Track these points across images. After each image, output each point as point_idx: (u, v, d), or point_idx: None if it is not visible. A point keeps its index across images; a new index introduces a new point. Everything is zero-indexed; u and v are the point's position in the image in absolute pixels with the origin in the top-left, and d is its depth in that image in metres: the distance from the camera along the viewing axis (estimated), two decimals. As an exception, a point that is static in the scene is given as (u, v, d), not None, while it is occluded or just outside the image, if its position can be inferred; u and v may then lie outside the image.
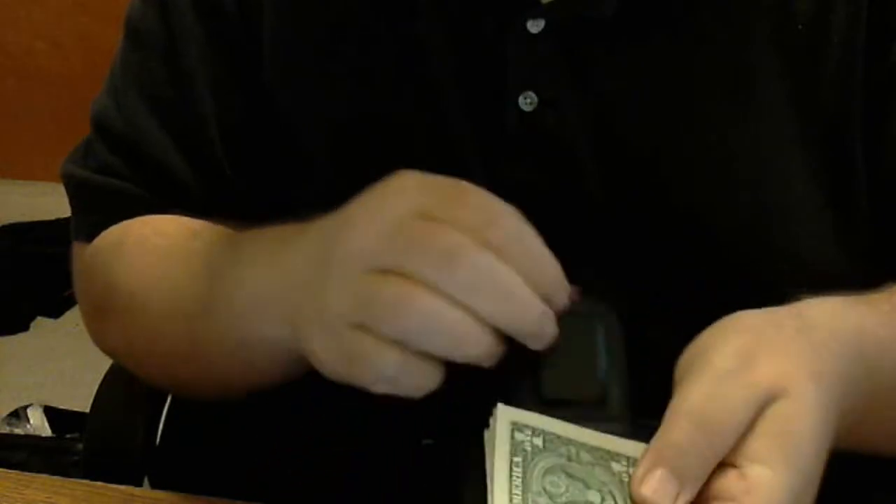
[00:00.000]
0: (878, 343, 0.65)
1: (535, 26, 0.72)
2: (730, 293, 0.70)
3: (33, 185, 2.86)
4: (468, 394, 0.58)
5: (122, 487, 0.78)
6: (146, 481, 0.96)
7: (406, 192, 0.60)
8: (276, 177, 0.80)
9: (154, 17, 0.81)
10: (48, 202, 2.67)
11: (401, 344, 0.57)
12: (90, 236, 0.84)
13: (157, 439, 0.98)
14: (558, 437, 0.58)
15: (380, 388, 0.59)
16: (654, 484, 0.54)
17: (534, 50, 0.72)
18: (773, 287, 0.66)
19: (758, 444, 0.55)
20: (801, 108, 0.72)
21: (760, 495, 0.53)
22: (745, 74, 0.72)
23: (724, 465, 0.55)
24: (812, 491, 0.57)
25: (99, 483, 0.78)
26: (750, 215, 0.73)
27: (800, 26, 0.71)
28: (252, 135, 0.80)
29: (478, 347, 0.58)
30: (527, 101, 0.73)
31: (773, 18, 0.71)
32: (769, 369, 0.57)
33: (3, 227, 2.76)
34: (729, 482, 0.54)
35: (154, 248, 0.79)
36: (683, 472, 0.54)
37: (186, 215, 0.81)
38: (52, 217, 2.65)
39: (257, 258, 0.69)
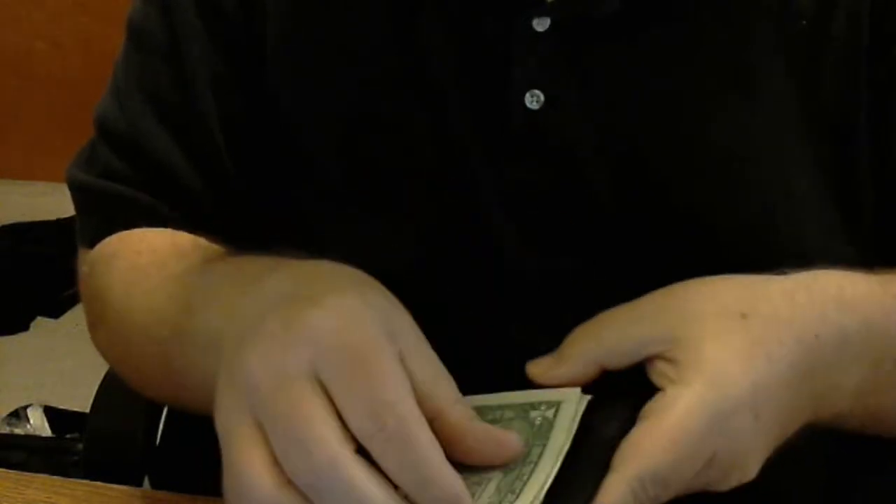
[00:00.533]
0: (866, 300, 0.67)
1: (540, 25, 0.72)
2: None
3: (33, 185, 2.86)
4: None
5: (122, 487, 0.78)
6: (146, 481, 0.96)
7: (314, 345, 0.57)
8: (278, 177, 0.80)
9: (156, 19, 0.81)
10: (48, 202, 2.67)
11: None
12: (92, 241, 0.84)
13: (158, 439, 0.98)
14: (489, 407, 0.61)
15: None
16: (539, 359, 0.63)
17: (539, 48, 0.72)
18: None
19: (676, 369, 0.59)
20: (804, 105, 0.72)
21: (675, 410, 0.58)
22: (748, 72, 0.72)
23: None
24: (749, 423, 0.60)
25: (99, 483, 0.79)
26: (754, 213, 0.73)
27: (803, 22, 0.71)
28: (254, 135, 0.81)
29: None
30: (533, 100, 0.73)
31: (775, 16, 0.72)
32: (678, 306, 0.63)
33: (3, 227, 2.76)
34: (654, 403, 0.59)
35: (142, 265, 0.79)
36: (567, 353, 0.63)
37: (187, 222, 0.81)
38: (52, 217, 2.66)
39: (214, 298, 0.68)
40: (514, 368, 0.64)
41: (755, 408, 0.60)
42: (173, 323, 0.72)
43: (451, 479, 0.55)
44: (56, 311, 2.51)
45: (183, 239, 0.80)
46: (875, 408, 0.68)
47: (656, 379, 0.60)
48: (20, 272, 2.60)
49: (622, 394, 0.60)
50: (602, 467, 0.57)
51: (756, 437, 0.60)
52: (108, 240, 0.83)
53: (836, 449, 0.76)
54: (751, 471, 0.61)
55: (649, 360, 0.61)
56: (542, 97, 0.73)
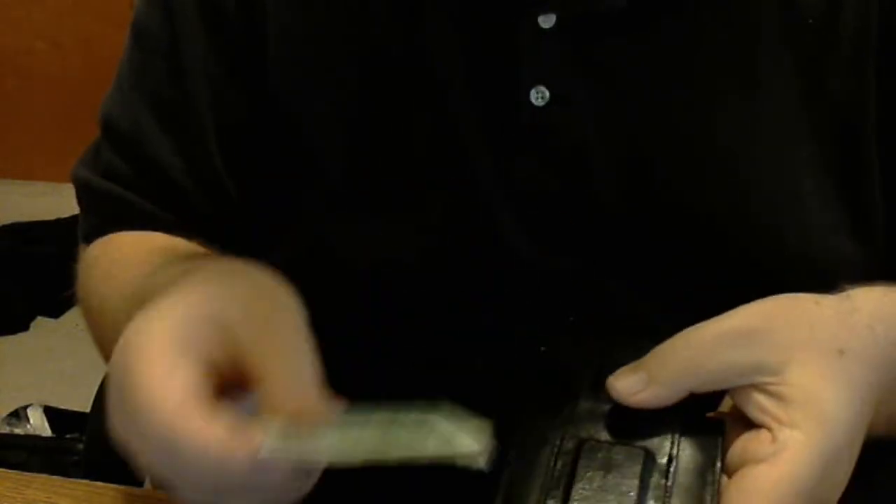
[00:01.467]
0: None
1: (546, 21, 0.72)
2: (742, 290, 0.70)
3: (33, 185, 2.86)
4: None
5: (122, 487, 0.78)
6: (147, 481, 0.96)
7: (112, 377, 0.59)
8: (279, 177, 0.80)
9: (158, 19, 0.81)
10: (48, 202, 2.67)
11: None
12: (87, 239, 0.85)
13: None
14: None
15: None
16: (628, 378, 0.59)
17: (545, 45, 0.72)
18: (785, 284, 0.66)
19: (783, 410, 0.57)
20: (810, 104, 0.72)
21: (792, 456, 0.56)
22: (753, 70, 0.72)
23: (757, 428, 0.58)
24: (846, 466, 0.59)
25: (99, 483, 0.78)
26: (758, 212, 0.73)
27: (809, 21, 0.72)
28: (255, 135, 0.81)
29: None
30: (538, 96, 0.73)
31: (780, 14, 0.72)
32: (784, 333, 0.60)
33: (3, 227, 2.76)
34: (762, 444, 0.57)
35: (110, 272, 0.80)
36: (654, 375, 0.59)
37: (182, 224, 0.82)
38: (52, 217, 2.66)
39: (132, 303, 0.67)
40: (514, 367, 0.64)
41: (850, 450, 0.59)
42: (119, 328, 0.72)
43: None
44: (56, 311, 2.51)
45: (163, 242, 0.81)
46: None
47: (756, 414, 0.58)
48: (20, 272, 2.60)
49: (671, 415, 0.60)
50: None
51: (846, 477, 0.60)
52: (99, 241, 0.84)
53: None
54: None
55: (745, 387, 0.59)
56: (547, 94, 0.73)
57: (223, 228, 0.82)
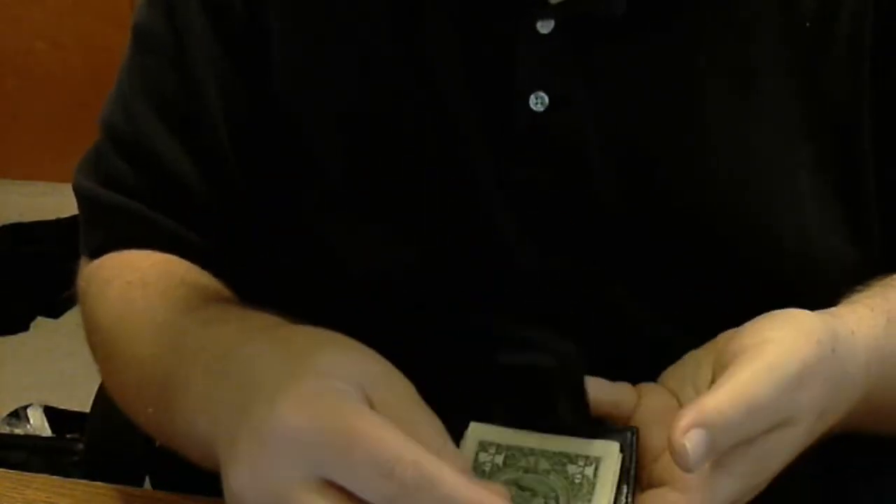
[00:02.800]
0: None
1: (544, 26, 0.72)
2: (740, 290, 0.70)
3: (33, 185, 2.86)
4: (449, 409, 0.59)
5: (122, 487, 0.78)
6: (147, 481, 0.96)
7: (294, 447, 0.55)
8: (281, 178, 0.80)
9: (161, 21, 0.81)
10: (48, 202, 2.67)
11: None
12: (93, 253, 0.84)
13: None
14: (521, 449, 0.59)
15: None
16: (695, 439, 0.55)
17: (544, 50, 0.73)
18: (783, 284, 0.66)
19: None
20: (807, 105, 0.72)
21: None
22: (751, 72, 0.72)
23: None
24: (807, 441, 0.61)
25: (99, 483, 0.78)
26: (756, 213, 0.73)
27: (807, 24, 0.72)
28: (260, 138, 0.80)
29: None
30: (537, 102, 0.73)
31: (778, 16, 0.72)
32: (811, 401, 0.60)
33: (3, 227, 2.76)
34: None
35: (132, 301, 0.78)
36: (718, 441, 0.56)
37: (190, 231, 0.81)
38: (52, 217, 2.65)
39: (199, 367, 0.67)
40: (513, 368, 0.64)
41: (813, 427, 0.60)
42: (158, 388, 0.71)
43: (490, 498, 0.53)
44: (56, 311, 2.51)
45: (175, 267, 0.80)
46: (873, 408, 0.69)
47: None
48: (20, 272, 2.60)
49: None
50: None
51: (800, 444, 0.61)
52: (105, 259, 0.83)
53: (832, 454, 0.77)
54: (770, 477, 0.61)
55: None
56: (546, 99, 0.73)
57: (232, 230, 0.82)
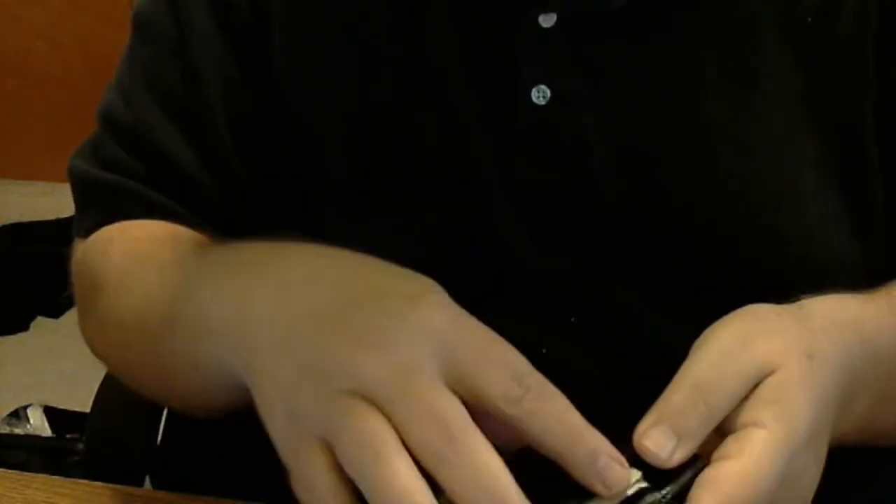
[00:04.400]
0: (878, 331, 0.67)
1: (546, 21, 0.72)
2: (742, 290, 0.70)
3: (33, 185, 2.86)
4: None
5: (122, 487, 0.78)
6: (147, 481, 0.96)
7: (431, 331, 0.56)
8: (285, 174, 0.80)
9: (163, 12, 0.81)
10: (48, 202, 2.67)
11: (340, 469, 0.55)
12: (88, 232, 0.83)
13: (158, 439, 0.98)
14: None
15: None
16: (655, 437, 0.57)
17: (545, 44, 0.73)
18: (785, 283, 0.66)
19: (752, 410, 0.58)
20: (810, 102, 0.72)
21: (753, 450, 0.56)
22: (753, 68, 0.72)
23: (723, 434, 0.58)
24: (810, 470, 0.60)
25: (99, 483, 0.78)
26: (758, 211, 0.73)
27: (809, 20, 0.72)
28: (262, 131, 0.80)
29: None
30: (539, 96, 0.73)
31: (780, 12, 0.72)
32: (764, 346, 0.60)
33: (3, 227, 2.76)
34: (725, 446, 0.57)
35: (138, 251, 0.78)
36: (681, 429, 0.57)
37: (192, 216, 0.81)
38: (52, 217, 2.66)
39: (223, 283, 0.66)
40: None
41: (813, 452, 0.60)
42: (164, 310, 0.71)
43: (589, 432, 0.55)
44: (56, 311, 2.51)
45: (183, 230, 0.80)
46: (874, 432, 0.69)
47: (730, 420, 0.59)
48: (20, 272, 2.60)
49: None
50: None
51: (811, 486, 0.61)
52: (105, 228, 0.82)
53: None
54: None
55: None
56: (548, 93, 0.73)
57: (234, 220, 0.82)
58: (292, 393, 0.57)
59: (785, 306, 0.64)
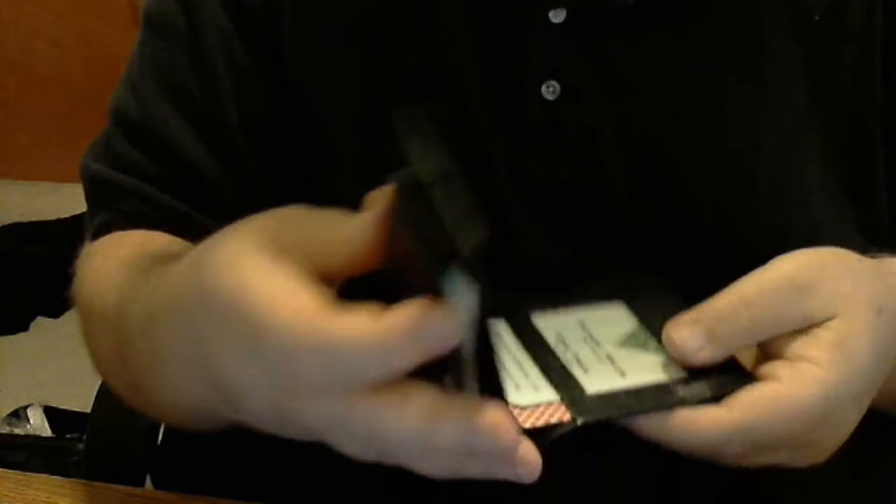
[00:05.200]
0: None
1: (556, 16, 0.73)
2: None
3: (33, 185, 2.86)
4: None
5: (123, 487, 0.78)
6: (147, 481, 0.96)
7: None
8: (300, 168, 0.80)
9: (175, 8, 0.81)
10: (48, 202, 2.67)
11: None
12: (95, 233, 0.83)
13: (158, 439, 0.98)
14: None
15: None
16: (684, 332, 0.58)
17: (556, 39, 0.73)
18: None
19: (811, 347, 0.58)
20: (819, 98, 0.73)
21: (805, 383, 0.57)
22: (761, 64, 0.73)
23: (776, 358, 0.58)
24: (853, 420, 0.60)
25: (99, 483, 0.78)
26: (766, 205, 0.73)
27: (816, 17, 0.72)
28: (274, 126, 0.80)
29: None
30: (549, 91, 0.73)
31: (789, 9, 0.72)
32: (832, 286, 0.60)
33: (3, 227, 2.76)
34: (777, 366, 0.58)
35: (108, 259, 0.78)
36: (714, 333, 0.58)
37: (200, 214, 0.81)
38: (52, 217, 2.65)
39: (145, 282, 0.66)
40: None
41: (859, 402, 0.60)
42: (115, 314, 0.70)
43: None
44: (56, 311, 2.51)
45: (158, 242, 0.79)
46: None
47: (783, 348, 0.59)
48: (20, 272, 2.60)
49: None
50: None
51: (846, 433, 0.61)
52: (104, 238, 0.82)
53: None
54: (822, 456, 0.61)
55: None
56: (558, 88, 0.73)
57: (243, 216, 0.82)
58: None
59: (866, 257, 0.64)
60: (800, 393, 0.57)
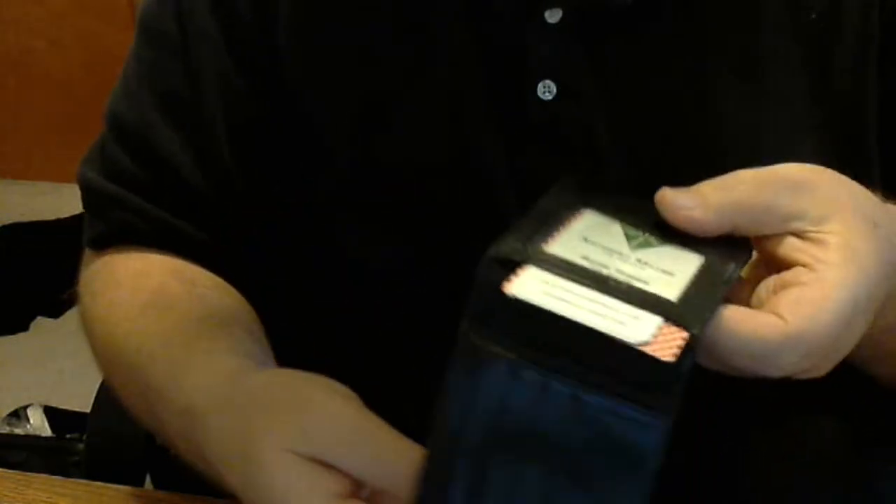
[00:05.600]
0: None
1: (552, 16, 0.73)
2: None
3: (33, 185, 2.86)
4: None
5: (122, 487, 0.78)
6: (147, 481, 0.96)
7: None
8: (291, 174, 0.80)
9: (168, 17, 0.81)
10: (48, 202, 2.67)
11: None
12: (93, 244, 0.85)
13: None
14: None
15: None
16: (679, 193, 0.58)
17: (552, 39, 0.73)
18: None
19: (823, 251, 0.57)
20: (817, 97, 0.73)
21: (832, 283, 0.55)
22: (759, 63, 0.73)
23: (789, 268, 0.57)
24: (862, 325, 0.58)
25: (99, 483, 0.79)
26: None
27: (813, 16, 0.72)
28: (264, 135, 0.81)
29: None
30: (546, 90, 0.73)
31: (786, 8, 0.72)
32: (827, 191, 0.59)
33: (3, 227, 2.76)
34: (799, 274, 0.56)
35: (131, 307, 0.79)
36: (707, 199, 0.57)
37: (189, 224, 0.81)
38: (52, 217, 2.65)
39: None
40: None
41: (866, 314, 0.59)
42: (150, 381, 0.73)
43: None
44: (56, 311, 2.51)
45: (178, 271, 0.81)
46: (886, 352, 0.68)
47: (792, 254, 0.58)
48: (20, 272, 2.60)
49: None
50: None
51: (853, 343, 0.59)
52: (103, 260, 0.83)
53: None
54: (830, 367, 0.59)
55: (780, 234, 0.59)
56: (554, 88, 0.73)
57: (229, 225, 0.82)
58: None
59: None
60: (837, 294, 0.55)
